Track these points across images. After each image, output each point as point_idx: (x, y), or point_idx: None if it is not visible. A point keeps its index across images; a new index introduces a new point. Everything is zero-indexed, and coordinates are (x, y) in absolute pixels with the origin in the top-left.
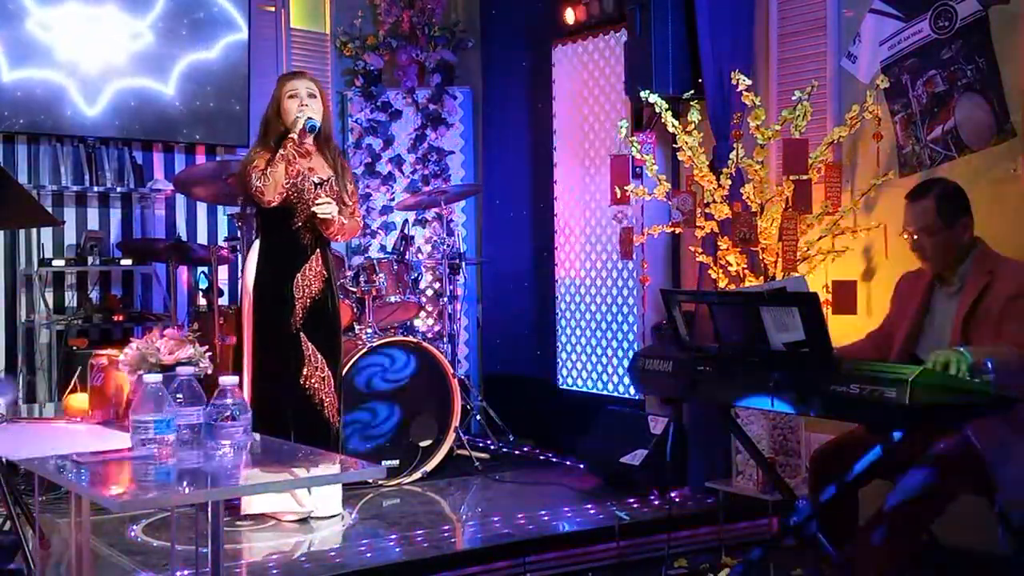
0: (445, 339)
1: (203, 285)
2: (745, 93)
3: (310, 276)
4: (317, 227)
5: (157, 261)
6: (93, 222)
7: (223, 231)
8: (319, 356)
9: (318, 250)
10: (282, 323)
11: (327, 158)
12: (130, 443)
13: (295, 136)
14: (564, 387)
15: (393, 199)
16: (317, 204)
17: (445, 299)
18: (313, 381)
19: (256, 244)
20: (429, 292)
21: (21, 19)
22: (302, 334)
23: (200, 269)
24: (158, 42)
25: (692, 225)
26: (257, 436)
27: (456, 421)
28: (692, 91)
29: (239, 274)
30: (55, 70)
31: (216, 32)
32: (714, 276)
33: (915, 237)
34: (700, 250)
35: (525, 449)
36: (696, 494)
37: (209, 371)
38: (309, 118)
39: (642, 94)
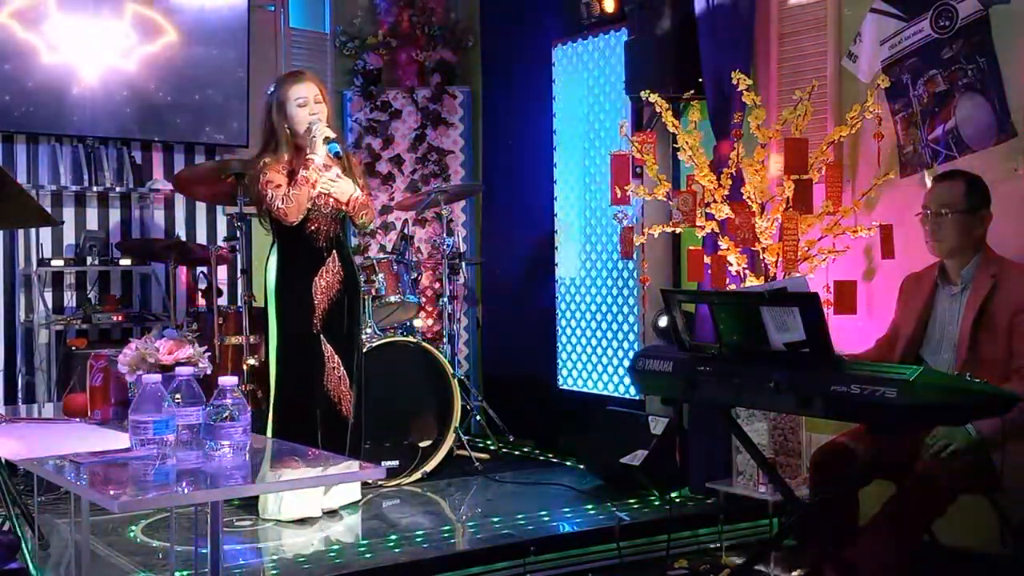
0: (445, 339)
1: (202, 285)
2: (745, 93)
3: (328, 277)
4: (332, 228)
5: (156, 261)
6: (92, 222)
7: (222, 231)
8: (336, 357)
9: (334, 251)
10: (304, 326)
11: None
12: (129, 443)
13: (315, 158)
14: (564, 387)
15: (393, 199)
16: (330, 182)
17: (445, 299)
18: (331, 381)
19: (274, 249)
20: (429, 292)
21: (43, 21)
22: (322, 336)
23: (199, 269)
24: (136, 40)
25: (692, 225)
26: (259, 437)
27: (456, 421)
28: (692, 91)
29: (238, 274)
30: (63, 58)
31: (154, 32)
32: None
33: (939, 213)
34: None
35: (525, 449)
36: (696, 494)
37: (208, 371)
38: (332, 141)
39: (642, 94)
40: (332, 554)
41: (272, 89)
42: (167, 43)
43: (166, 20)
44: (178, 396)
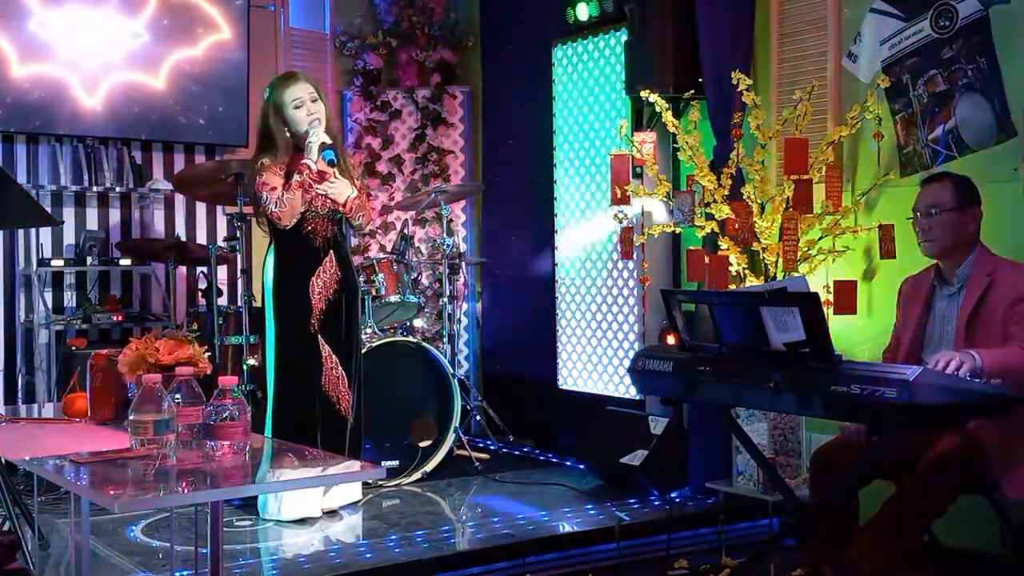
0: (445, 339)
1: (202, 285)
2: (745, 93)
3: (325, 277)
4: (329, 229)
5: (156, 261)
6: (92, 222)
7: (222, 231)
8: (334, 357)
9: (331, 251)
10: (301, 326)
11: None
12: (129, 443)
13: (310, 163)
14: (564, 387)
15: (393, 199)
16: (327, 184)
17: (445, 299)
18: (329, 381)
19: (271, 249)
20: (429, 292)
21: (25, 19)
22: (319, 336)
23: (199, 269)
24: (152, 40)
25: (692, 225)
26: (259, 437)
27: (456, 421)
28: (692, 91)
29: (238, 274)
30: (57, 66)
31: (200, 32)
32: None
33: (928, 214)
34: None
35: (525, 449)
36: (696, 494)
37: (208, 371)
38: (328, 148)
39: (642, 94)
40: (332, 554)
41: (267, 94)
42: (159, 42)
43: (163, 21)
44: (178, 396)
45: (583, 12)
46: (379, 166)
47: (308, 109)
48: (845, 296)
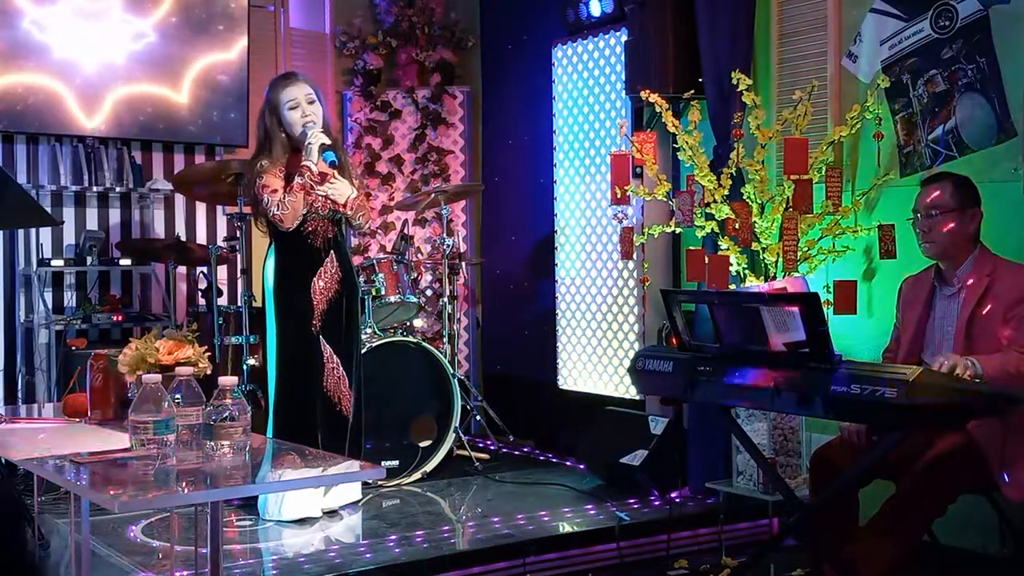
0: (445, 339)
1: (202, 285)
2: (745, 93)
3: (326, 278)
4: (330, 229)
5: (156, 261)
6: (92, 222)
7: (222, 231)
8: (335, 358)
9: (332, 251)
10: (302, 327)
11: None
12: (129, 443)
13: (311, 165)
14: (564, 387)
15: (393, 199)
16: (327, 184)
17: (445, 299)
18: (330, 381)
19: (271, 250)
20: (429, 292)
21: (17, 19)
22: (320, 336)
23: (199, 269)
24: (163, 43)
25: (691, 225)
26: (259, 437)
27: (456, 421)
28: (692, 91)
29: (238, 274)
30: (52, 72)
31: (230, 34)
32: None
33: (929, 215)
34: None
35: (525, 449)
36: (696, 494)
37: (208, 371)
38: (327, 149)
39: (642, 94)
40: (332, 554)
41: (265, 93)
42: (174, 46)
43: (180, 22)
44: (178, 396)
45: (596, 8)
46: (379, 166)
47: (303, 111)
48: (845, 296)
